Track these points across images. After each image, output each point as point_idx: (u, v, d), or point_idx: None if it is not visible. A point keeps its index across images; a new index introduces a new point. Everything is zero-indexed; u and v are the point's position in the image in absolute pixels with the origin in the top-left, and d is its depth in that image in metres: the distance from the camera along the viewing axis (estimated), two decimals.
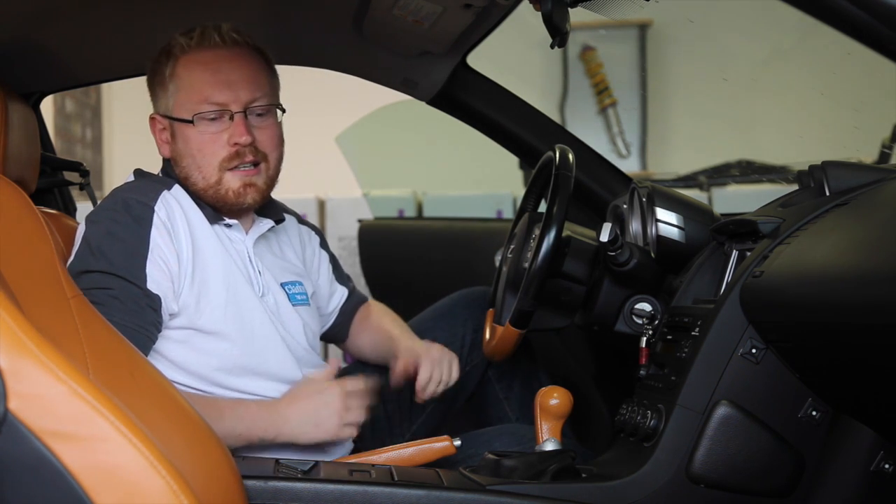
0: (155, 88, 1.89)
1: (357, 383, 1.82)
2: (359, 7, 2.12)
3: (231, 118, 1.82)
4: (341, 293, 2.15)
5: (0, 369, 0.98)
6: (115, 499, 1.00)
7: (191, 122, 1.82)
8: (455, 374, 1.99)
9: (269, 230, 1.95)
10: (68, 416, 1.00)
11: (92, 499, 0.99)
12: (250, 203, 1.85)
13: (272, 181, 1.88)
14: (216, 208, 1.86)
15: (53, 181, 2.36)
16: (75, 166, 2.41)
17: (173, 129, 1.86)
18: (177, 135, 1.86)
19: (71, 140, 6.39)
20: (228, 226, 1.88)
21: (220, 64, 1.83)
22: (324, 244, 2.16)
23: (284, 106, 1.90)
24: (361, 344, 2.17)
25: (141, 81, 2.53)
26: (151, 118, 1.90)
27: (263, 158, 1.85)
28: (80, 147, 6.55)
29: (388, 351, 2.07)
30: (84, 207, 2.46)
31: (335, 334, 2.19)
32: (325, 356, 4.40)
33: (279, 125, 1.89)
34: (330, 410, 1.78)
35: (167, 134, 1.88)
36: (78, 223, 1.99)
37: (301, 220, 2.14)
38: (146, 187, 1.84)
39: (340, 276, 2.17)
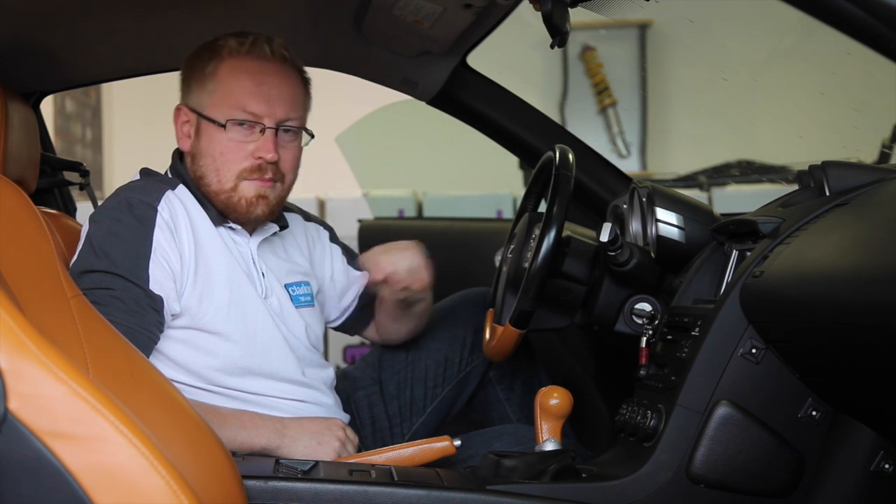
0: (190, 81, 1.88)
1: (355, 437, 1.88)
2: (359, 7, 2.12)
3: (262, 132, 1.82)
4: (362, 278, 2.11)
5: (0, 369, 0.98)
6: (114, 499, 1.00)
7: (222, 125, 1.82)
8: (417, 259, 1.95)
9: (273, 234, 1.95)
10: (68, 416, 1.00)
11: (92, 499, 0.99)
12: (258, 215, 1.86)
13: (282, 200, 1.89)
14: (223, 213, 1.87)
15: (53, 181, 2.36)
16: (75, 166, 2.40)
17: (199, 125, 1.85)
18: (202, 133, 1.85)
19: (71, 140, 6.40)
20: (232, 228, 1.88)
21: (264, 76, 1.83)
22: (334, 238, 2.15)
23: None
24: (381, 319, 2.14)
25: (141, 81, 2.53)
26: (177, 108, 1.89)
27: (280, 178, 1.86)
28: (80, 147, 6.55)
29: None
30: (84, 207, 2.46)
31: (363, 318, 2.15)
32: (327, 356, 4.40)
33: (301, 149, 1.90)
34: (332, 434, 1.82)
35: (190, 128, 1.87)
36: (78, 223, 1.99)
37: (308, 217, 2.13)
38: (150, 187, 1.84)
39: (356, 262, 2.14)
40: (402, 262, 1.94)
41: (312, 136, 1.90)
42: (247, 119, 1.82)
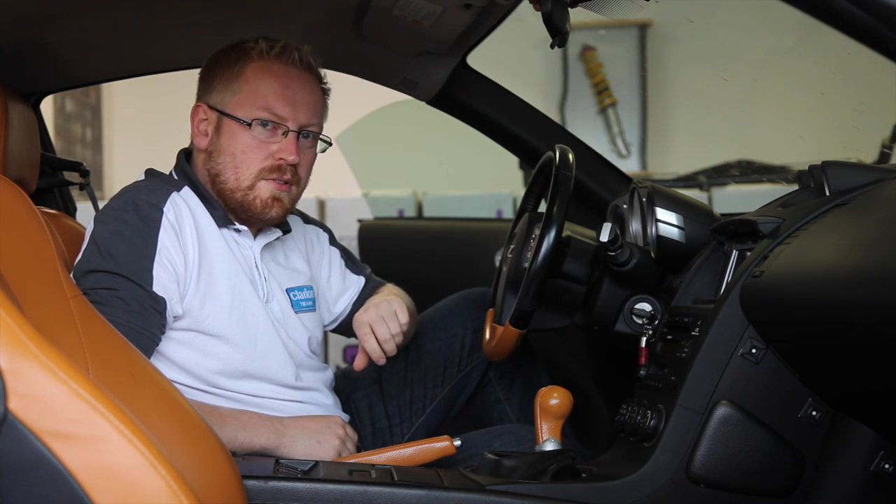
0: (212, 80, 1.88)
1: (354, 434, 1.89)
2: (359, 7, 2.12)
3: (284, 134, 1.84)
4: (358, 284, 2.13)
5: (0, 369, 0.98)
6: (115, 499, 1.00)
7: (248, 124, 1.83)
8: (403, 319, 1.94)
9: (276, 238, 1.95)
10: (68, 416, 1.00)
11: (92, 499, 0.99)
12: (272, 217, 1.86)
13: (294, 203, 1.91)
14: (235, 213, 1.87)
15: (53, 181, 2.36)
16: (75, 166, 2.40)
17: (220, 124, 1.86)
18: (223, 131, 1.86)
19: (71, 140, 6.40)
20: (237, 230, 1.88)
21: (290, 80, 1.85)
22: (333, 241, 2.15)
23: None
24: None
25: (141, 81, 2.53)
26: (196, 106, 1.90)
27: (297, 182, 1.87)
28: (80, 147, 6.55)
29: None
30: (84, 207, 2.46)
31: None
32: (327, 356, 4.40)
33: (316, 155, 1.92)
34: (332, 433, 1.83)
35: (208, 126, 1.88)
36: (78, 223, 1.99)
37: (307, 219, 2.13)
38: (156, 188, 1.84)
39: (355, 267, 2.15)
40: (370, 345, 1.92)
41: (330, 144, 1.92)
42: (272, 120, 1.83)
